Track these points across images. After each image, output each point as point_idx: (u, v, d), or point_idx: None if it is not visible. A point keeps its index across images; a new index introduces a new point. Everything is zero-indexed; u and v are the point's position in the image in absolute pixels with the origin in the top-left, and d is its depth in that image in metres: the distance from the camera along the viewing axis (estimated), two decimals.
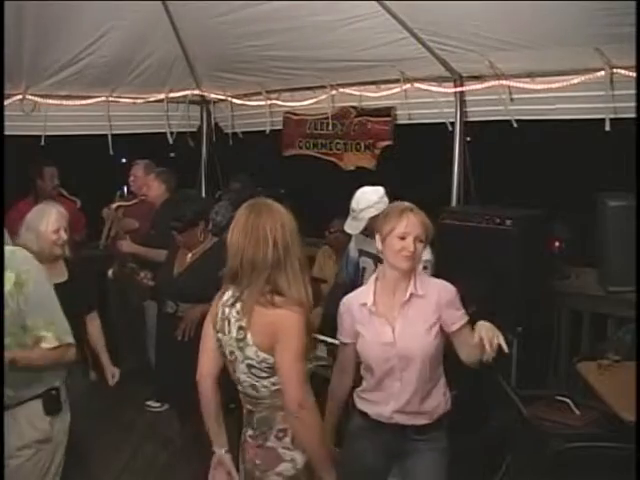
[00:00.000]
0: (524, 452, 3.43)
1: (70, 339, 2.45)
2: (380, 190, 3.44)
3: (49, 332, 2.36)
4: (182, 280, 3.38)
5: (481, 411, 3.54)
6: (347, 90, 5.15)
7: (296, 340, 2.13)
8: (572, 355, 4.05)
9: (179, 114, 6.05)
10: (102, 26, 4.55)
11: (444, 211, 4.19)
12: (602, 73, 3.80)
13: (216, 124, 6.33)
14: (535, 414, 3.42)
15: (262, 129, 5.83)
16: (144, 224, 4.67)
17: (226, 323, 2.26)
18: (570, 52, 3.76)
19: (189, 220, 3.34)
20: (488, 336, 2.22)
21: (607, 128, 3.85)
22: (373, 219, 3.15)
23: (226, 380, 2.36)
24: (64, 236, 3.13)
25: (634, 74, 3.61)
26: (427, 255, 3.21)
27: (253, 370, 2.22)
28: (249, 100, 5.85)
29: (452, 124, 4.65)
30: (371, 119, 5.11)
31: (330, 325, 2.67)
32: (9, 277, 2.27)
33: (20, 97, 5.03)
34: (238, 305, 2.22)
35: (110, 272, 4.38)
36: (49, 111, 5.24)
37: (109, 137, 5.59)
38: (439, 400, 2.49)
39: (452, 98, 4.60)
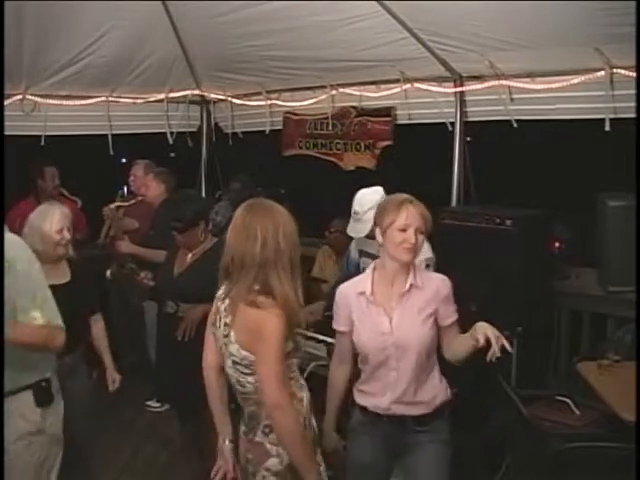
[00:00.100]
0: (524, 452, 3.43)
1: (60, 322, 2.44)
2: (380, 190, 3.43)
3: (38, 312, 2.35)
4: (182, 280, 3.38)
5: (481, 411, 3.53)
6: (347, 90, 5.15)
7: (274, 343, 2.15)
8: (572, 355, 4.05)
9: (179, 114, 6.06)
10: (102, 26, 4.55)
11: (444, 211, 4.19)
12: (602, 73, 3.80)
13: (216, 124, 6.33)
14: (535, 414, 3.42)
15: (262, 129, 5.84)
16: (144, 224, 4.67)
17: (218, 318, 2.32)
18: (570, 52, 3.76)
19: (189, 220, 3.34)
20: (495, 335, 2.24)
21: (607, 128, 3.85)
22: None
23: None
24: (67, 236, 3.13)
25: (634, 74, 3.61)
26: (429, 253, 3.21)
27: (237, 366, 2.26)
28: (249, 100, 5.85)
29: (452, 124, 4.65)
30: (371, 119, 5.11)
31: (331, 325, 2.67)
32: None
33: (20, 97, 5.04)
34: (227, 301, 2.27)
35: (108, 272, 4.38)
36: (49, 111, 5.24)
37: (109, 137, 5.60)
38: (436, 389, 2.49)
39: (452, 98, 4.60)
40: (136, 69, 5.19)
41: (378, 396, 2.48)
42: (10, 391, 2.39)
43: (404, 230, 2.38)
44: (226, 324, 2.27)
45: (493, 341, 2.22)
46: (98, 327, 3.34)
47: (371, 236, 2.77)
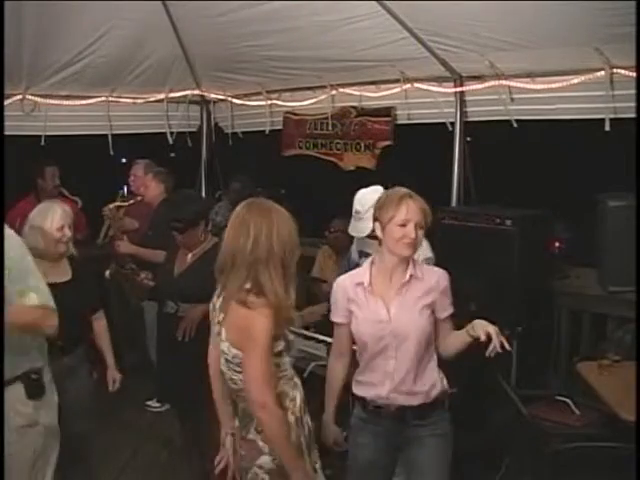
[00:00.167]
0: (524, 452, 3.42)
1: (53, 305, 2.43)
2: (380, 188, 3.43)
3: (34, 293, 2.36)
4: (183, 280, 3.38)
5: (481, 411, 3.54)
6: (347, 90, 5.15)
7: (261, 343, 2.16)
8: (572, 355, 4.05)
9: (179, 114, 6.06)
10: (102, 26, 4.55)
11: (444, 211, 4.19)
12: (602, 73, 3.80)
13: (216, 124, 6.33)
14: (535, 414, 3.41)
15: (262, 129, 5.84)
16: (143, 224, 4.67)
17: (215, 315, 2.35)
18: (570, 52, 3.76)
19: (190, 220, 3.34)
20: (495, 331, 2.26)
21: (607, 128, 3.86)
22: None
23: None
24: (68, 233, 3.12)
25: (634, 74, 3.61)
26: (428, 253, 3.21)
27: (229, 364, 2.29)
28: (249, 100, 5.85)
29: (452, 124, 4.65)
30: (371, 119, 5.12)
31: (330, 325, 2.68)
32: None
33: (20, 97, 5.04)
34: (220, 299, 2.30)
35: (107, 273, 4.37)
36: (49, 111, 5.24)
37: (109, 137, 5.60)
38: (433, 379, 2.50)
39: (452, 98, 4.60)
40: (136, 69, 5.19)
41: (377, 386, 2.49)
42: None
43: (404, 225, 2.39)
44: (219, 322, 2.31)
45: (494, 336, 2.24)
46: (100, 325, 3.34)
47: (372, 237, 2.77)
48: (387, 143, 5.08)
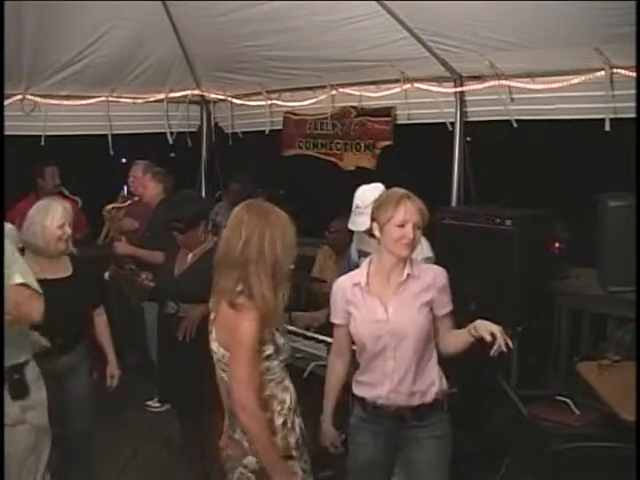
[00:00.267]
0: (524, 452, 3.42)
1: (40, 290, 2.39)
2: (381, 186, 3.43)
3: (19, 275, 2.31)
4: (183, 281, 3.38)
5: (481, 411, 3.54)
6: (347, 90, 5.15)
7: (245, 347, 2.17)
8: (572, 355, 4.05)
9: (179, 114, 6.06)
10: (102, 26, 4.55)
11: (444, 211, 4.19)
12: (602, 73, 3.80)
13: (216, 124, 6.33)
14: (535, 414, 3.41)
15: (262, 129, 5.84)
16: (143, 224, 4.67)
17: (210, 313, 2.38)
18: (570, 52, 3.76)
19: (190, 220, 3.34)
20: (499, 330, 2.26)
21: (607, 128, 3.86)
22: None
23: None
24: (69, 231, 3.12)
25: (634, 74, 3.61)
26: (428, 252, 3.21)
27: (219, 363, 2.31)
28: (249, 100, 5.85)
29: (452, 124, 4.65)
30: (371, 119, 5.12)
31: (330, 326, 2.68)
32: None
33: (20, 97, 5.04)
34: (213, 298, 2.32)
35: (106, 274, 4.36)
36: (49, 111, 5.25)
37: (109, 137, 5.60)
38: (432, 378, 2.50)
39: (452, 98, 4.60)
40: (136, 69, 5.20)
41: (377, 387, 2.50)
42: None
43: (402, 226, 2.39)
44: (211, 321, 2.33)
45: (498, 335, 2.25)
46: (100, 321, 3.34)
47: (371, 234, 2.77)
48: (387, 143, 5.08)
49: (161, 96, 5.74)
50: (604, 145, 5.01)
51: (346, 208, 3.53)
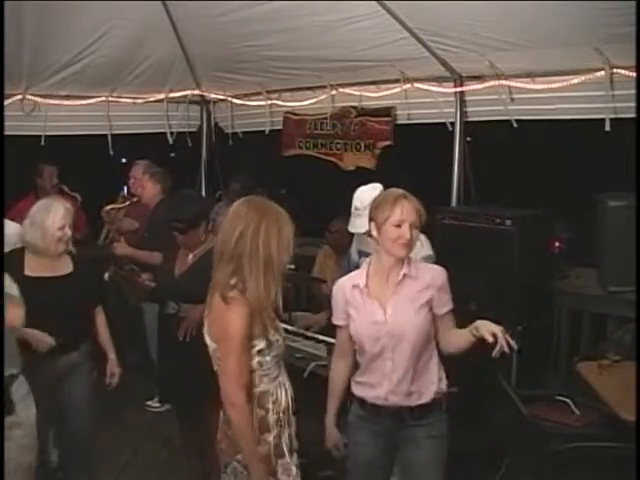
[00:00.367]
0: (524, 452, 3.42)
1: (18, 296, 2.36)
2: (379, 186, 3.44)
3: None
4: (184, 281, 3.37)
5: (481, 411, 3.54)
6: (347, 90, 5.16)
7: (234, 342, 2.17)
8: (572, 355, 4.05)
9: (179, 114, 6.06)
10: (102, 26, 4.56)
11: (444, 211, 4.20)
12: (602, 73, 3.80)
13: (216, 124, 6.34)
14: (535, 414, 3.41)
15: (262, 129, 5.84)
16: (143, 225, 4.66)
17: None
18: (570, 52, 3.76)
19: (191, 220, 3.33)
20: (501, 331, 2.26)
21: (607, 128, 3.86)
22: None
23: None
24: (69, 233, 3.12)
25: (634, 74, 3.61)
26: (428, 251, 3.21)
27: (214, 357, 2.31)
28: (249, 100, 5.85)
29: (452, 124, 4.65)
30: (371, 119, 5.11)
31: (331, 326, 2.68)
32: None
33: (20, 97, 5.05)
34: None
35: (106, 275, 4.36)
36: (49, 111, 5.25)
37: (109, 137, 5.61)
38: (431, 378, 2.50)
39: (452, 98, 4.60)
40: (136, 69, 5.20)
41: (376, 387, 2.50)
42: None
43: (399, 226, 2.40)
44: (205, 314, 2.34)
45: (500, 335, 2.24)
46: (100, 319, 3.35)
47: (371, 234, 2.77)
48: (387, 143, 5.08)
49: (161, 96, 5.74)
50: (604, 145, 5.02)
51: (346, 208, 3.53)
